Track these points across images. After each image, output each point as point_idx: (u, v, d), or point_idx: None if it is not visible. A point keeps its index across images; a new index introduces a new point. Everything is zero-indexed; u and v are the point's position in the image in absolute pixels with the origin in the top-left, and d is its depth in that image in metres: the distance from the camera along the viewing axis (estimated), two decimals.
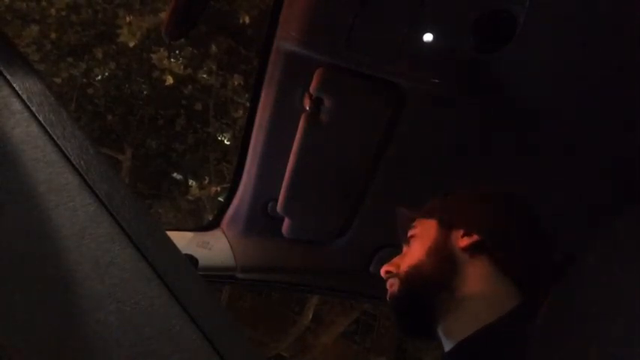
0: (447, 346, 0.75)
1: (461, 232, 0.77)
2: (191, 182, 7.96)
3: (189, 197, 6.73)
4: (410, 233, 0.83)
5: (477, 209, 0.80)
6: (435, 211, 0.83)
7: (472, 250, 0.75)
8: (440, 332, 0.76)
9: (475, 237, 0.75)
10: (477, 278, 0.74)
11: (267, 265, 1.22)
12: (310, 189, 1.08)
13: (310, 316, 7.66)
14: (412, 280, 0.77)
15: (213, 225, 1.25)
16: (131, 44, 5.31)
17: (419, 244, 0.80)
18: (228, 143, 7.30)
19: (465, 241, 0.76)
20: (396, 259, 0.84)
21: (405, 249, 0.85)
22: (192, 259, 1.01)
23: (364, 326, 11.69)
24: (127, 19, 5.29)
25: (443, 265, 0.76)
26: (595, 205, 1.00)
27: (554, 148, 0.96)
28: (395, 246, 1.20)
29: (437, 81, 0.87)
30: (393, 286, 0.80)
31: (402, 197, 1.09)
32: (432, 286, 0.75)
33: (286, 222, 1.16)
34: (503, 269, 0.74)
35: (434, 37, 0.80)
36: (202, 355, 0.33)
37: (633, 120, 0.88)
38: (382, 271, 0.84)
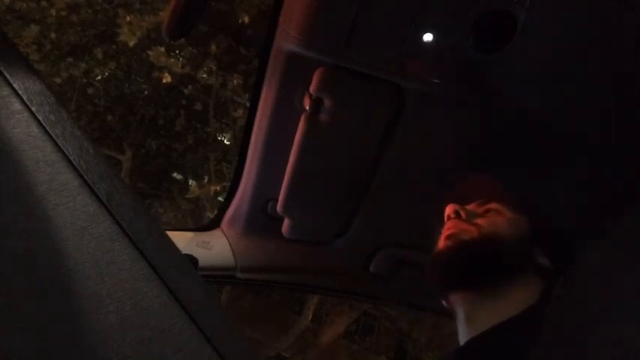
0: (464, 331, 0.75)
1: (541, 250, 0.78)
2: (191, 182, 7.96)
3: (189, 195, 6.73)
4: (492, 206, 0.83)
5: (556, 236, 0.82)
6: (527, 212, 0.83)
7: (541, 269, 0.77)
8: (463, 312, 0.76)
9: (550, 264, 0.77)
10: (529, 286, 0.75)
11: (267, 265, 1.22)
12: (310, 189, 1.08)
13: (310, 316, 7.66)
14: (492, 244, 0.76)
15: (213, 225, 1.25)
16: (131, 43, 5.30)
17: (508, 225, 0.79)
18: (228, 143, 7.30)
19: (543, 261, 0.77)
20: (464, 209, 0.83)
21: (476, 208, 0.85)
22: (192, 259, 1.01)
23: (364, 326, 11.70)
24: (127, 18, 5.29)
25: (520, 260, 0.76)
26: (595, 206, 1.00)
27: (554, 148, 0.96)
28: (395, 246, 1.21)
29: (437, 81, 0.87)
30: (467, 232, 0.78)
31: (401, 197, 1.09)
32: (502, 265, 0.75)
33: (286, 222, 1.16)
34: (546, 286, 0.76)
35: (434, 37, 0.80)
36: (202, 355, 0.33)
37: (634, 120, 0.88)
38: (453, 209, 0.82)
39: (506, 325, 0.69)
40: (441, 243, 0.80)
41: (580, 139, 0.94)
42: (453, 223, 0.81)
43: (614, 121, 0.90)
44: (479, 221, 0.80)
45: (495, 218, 0.81)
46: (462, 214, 0.82)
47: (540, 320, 0.58)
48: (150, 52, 5.45)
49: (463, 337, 0.76)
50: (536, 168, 1.00)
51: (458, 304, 0.78)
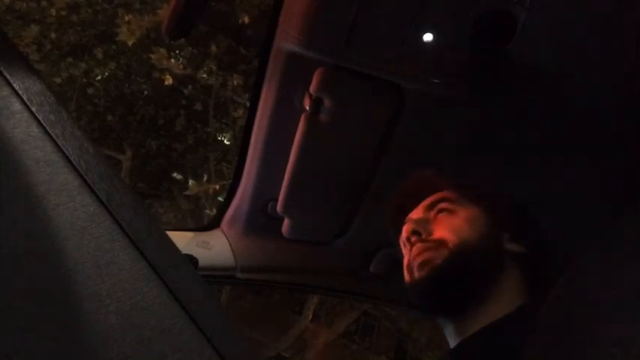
0: (455, 340, 0.74)
1: (508, 235, 0.76)
2: (191, 182, 7.97)
3: (187, 193, 6.74)
4: (442, 205, 0.80)
5: (518, 215, 0.80)
6: (480, 202, 0.80)
7: (515, 256, 0.75)
8: (453, 327, 0.75)
9: (522, 248, 0.75)
10: (511, 281, 0.73)
11: (267, 265, 1.22)
12: (310, 189, 1.08)
13: (310, 316, 7.66)
14: (465, 256, 0.73)
15: (213, 225, 1.25)
16: (130, 43, 5.31)
17: (468, 225, 0.76)
18: (228, 143, 7.31)
19: (513, 247, 0.75)
20: (421, 224, 0.79)
21: (427, 213, 0.81)
22: (192, 259, 1.01)
23: (364, 326, 11.71)
24: (126, 18, 5.29)
25: (494, 258, 0.74)
26: (595, 206, 1.00)
27: (554, 148, 0.96)
28: (395, 246, 1.21)
29: (437, 81, 0.87)
30: (438, 254, 0.74)
31: None
32: (481, 272, 0.73)
33: (286, 222, 1.16)
34: (527, 275, 0.75)
35: (434, 37, 0.80)
36: (202, 355, 0.33)
37: (634, 120, 0.88)
38: (411, 230, 0.79)
39: (497, 324, 0.69)
40: (415, 272, 0.76)
41: (580, 139, 0.94)
42: (421, 248, 0.76)
43: (614, 121, 0.90)
44: (440, 234, 0.76)
45: (452, 222, 0.77)
46: (423, 233, 0.78)
47: (533, 318, 0.58)
48: (152, 55, 5.46)
49: (453, 343, 0.75)
50: (536, 168, 1.00)
51: (445, 322, 0.77)
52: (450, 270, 0.72)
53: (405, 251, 0.83)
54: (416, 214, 0.84)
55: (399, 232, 0.87)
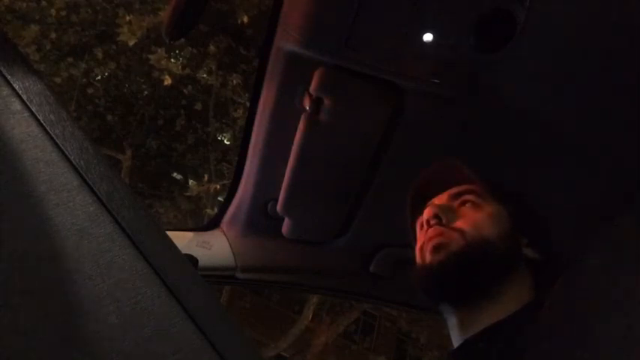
0: (458, 335, 0.74)
1: (526, 240, 0.76)
2: (191, 182, 7.98)
3: (188, 194, 6.76)
4: (467, 197, 0.80)
5: (536, 220, 0.80)
6: (505, 201, 0.80)
7: (528, 261, 0.75)
8: (457, 320, 0.75)
9: (537, 254, 0.75)
10: (519, 283, 0.74)
11: (267, 265, 1.22)
12: (310, 189, 1.08)
13: (310, 316, 7.66)
14: (481, 251, 0.72)
15: (213, 225, 1.25)
16: (131, 43, 5.31)
17: (490, 222, 0.76)
18: (228, 143, 7.31)
19: (529, 253, 0.75)
20: (444, 210, 0.78)
21: (452, 202, 0.81)
22: (192, 259, 1.01)
23: (364, 326, 11.72)
24: (127, 18, 5.29)
25: (510, 260, 0.74)
26: (595, 206, 1.00)
27: (553, 148, 0.96)
28: (395, 246, 1.21)
29: (437, 81, 0.87)
30: (454, 241, 0.74)
31: (402, 197, 1.09)
32: (494, 270, 0.73)
33: (286, 222, 1.16)
34: (534, 278, 0.75)
35: (434, 37, 0.80)
36: (202, 355, 0.33)
37: (633, 120, 0.88)
38: (433, 214, 0.78)
39: (502, 324, 0.69)
40: (428, 255, 0.75)
41: (581, 139, 0.94)
42: (438, 231, 0.76)
43: (617, 119, 0.90)
44: (461, 224, 0.76)
45: (475, 216, 0.77)
46: (444, 219, 0.77)
47: (537, 319, 0.58)
48: (151, 56, 5.46)
49: (457, 341, 0.75)
50: (535, 168, 1.00)
51: (450, 313, 0.76)
52: (463, 259, 0.72)
53: (420, 234, 0.82)
54: (440, 200, 0.83)
55: (416, 215, 0.87)
